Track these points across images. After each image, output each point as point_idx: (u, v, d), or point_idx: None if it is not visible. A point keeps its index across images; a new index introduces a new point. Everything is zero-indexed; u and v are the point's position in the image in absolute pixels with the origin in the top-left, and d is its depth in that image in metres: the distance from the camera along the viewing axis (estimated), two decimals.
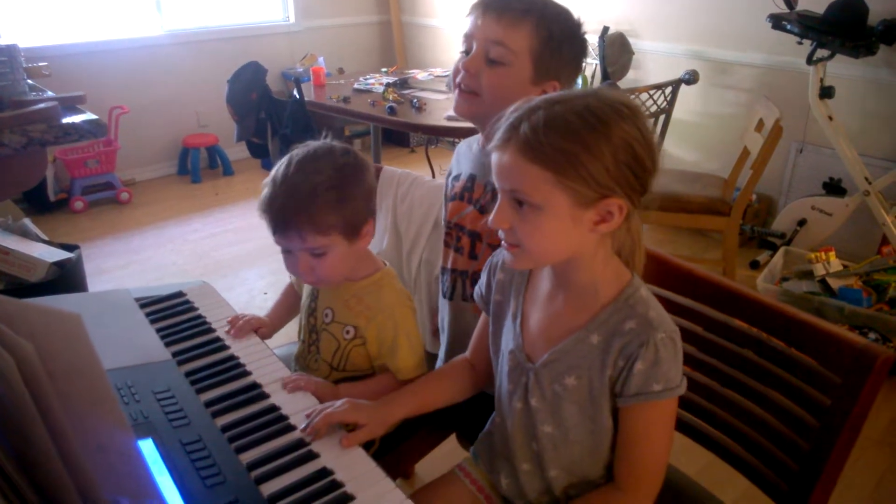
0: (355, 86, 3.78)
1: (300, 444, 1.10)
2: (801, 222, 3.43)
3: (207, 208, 4.52)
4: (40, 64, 2.14)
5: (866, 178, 3.12)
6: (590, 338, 1.04)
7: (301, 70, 5.01)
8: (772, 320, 1.19)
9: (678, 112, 3.51)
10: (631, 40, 4.10)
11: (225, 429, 1.13)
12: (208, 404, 1.19)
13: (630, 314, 1.02)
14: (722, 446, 1.30)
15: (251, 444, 1.09)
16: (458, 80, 1.36)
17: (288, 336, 1.69)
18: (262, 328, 1.46)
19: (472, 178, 1.48)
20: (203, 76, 4.97)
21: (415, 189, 1.93)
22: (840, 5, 3.05)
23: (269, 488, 1.00)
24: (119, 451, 0.81)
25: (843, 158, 3.19)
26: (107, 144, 4.41)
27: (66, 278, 2.43)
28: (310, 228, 1.25)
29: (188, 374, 1.27)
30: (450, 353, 1.58)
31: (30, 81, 2.00)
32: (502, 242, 1.04)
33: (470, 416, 1.45)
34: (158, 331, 1.40)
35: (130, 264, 3.74)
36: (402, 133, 5.47)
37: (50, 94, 1.94)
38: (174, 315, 1.47)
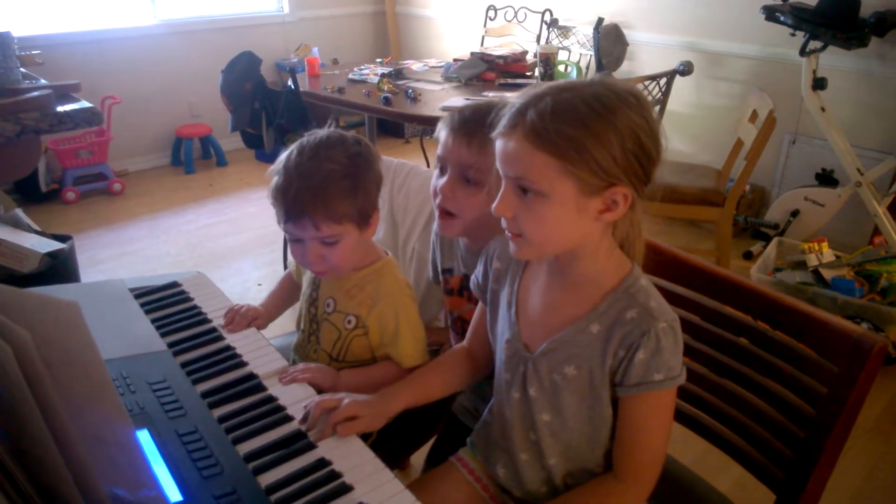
0: (350, 76, 3.76)
1: (298, 434, 1.10)
2: (794, 213, 3.44)
3: (201, 199, 4.51)
4: (33, 52, 2.12)
5: (858, 170, 3.13)
6: (590, 327, 1.04)
7: (295, 60, 4.99)
8: (768, 310, 1.19)
9: (672, 103, 3.51)
10: (625, 31, 4.09)
11: (222, 419, 1.12)
12: (204, 395, 1.18)
13: (631, 304, 1.02)
14: (717, 435, 1.30)
15: (248, 435, 1.09)
16: (437, 202, 1.34)
17: (282, 327, 1.68)
18: (258, 320, 1.45)
19: (467, 277, 1.43)
20: (196, 66, 4.94)
21: (411, 179, 1.92)
22: None
23: (266, 479, 1.00)
24: (117, 441, 0.80)
25: (835, 149, 3.20)
26: (99, 135, 4.38)
27: (59, 269, 2.42)
28: (324, 217, 1.24)
29: (184, 365, 1.26)
30: None
31: (23, 70, 1.99)
32: (506, 233, 1.04)
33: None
34: (153, 321, 1.40)
35: (123, 255, 3.72)
36: (396, 124, 5.46)
37: (43, 82, 1.93)
38: (169, 305, 1.47)
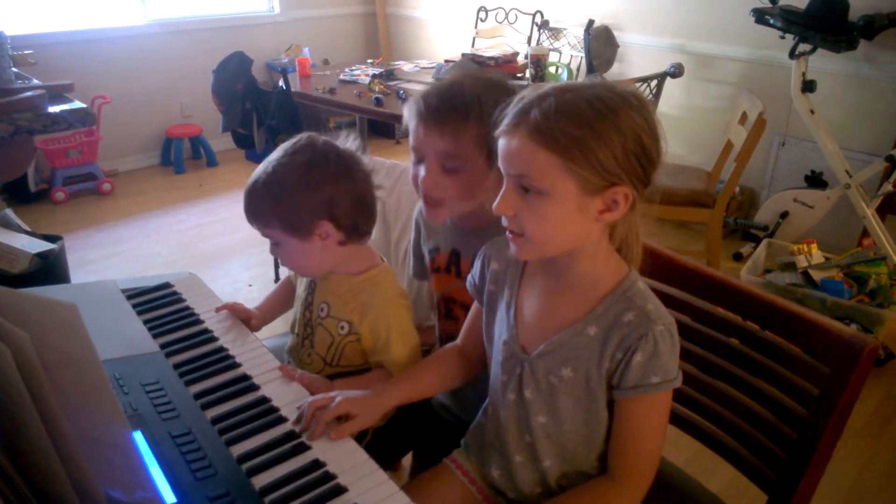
0: (341, 77, 3.76)
1: (291, 435, 1.09)
2: (784, 214, 3.46)
3: (191, 199, 4.49)
4: (25, 52, 2.11)
5: (847, 172, 3.16)
6: (587, 330, 1.05)
7: (286, 61, 4.98)
8: (760, 311, 1.20)
9: (663, 105, 3.52)
10: (616, 33, 4.11)
11: (215, 421, 1.12)
12: (197, 396, 1.18)
13: (628, 306, 1.03)
14: (709, 436, 1.31)
15: (242, 437, 1.08)
16: (419, 191, 1.33)
17: (272, 330, 1.68)
18: (253, 320, 1.45)
19: (455, 253, 1.43)
20: (187, 66, 4.93)
21: (403, 181, 1.92)
22: (822, 0, 3.07)
23: (260, 480, 1.00)
24: (114, 443, 0.80)
25: (824, 151, 3.22)
26: (88, 135, 4.36)
27: (49, 270, 2.41)
28: (253, 217, 1.31)
29: (177, 366, 1.26)
30: None
31: (15, 70, 1.98)
32: (507, 233, 1.04)
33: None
34: (146, 322, 1.39)
35: (113, 256, 3.71)
36: (387, 124, 5.45)
37: (36, 82, 1.92)
38: (162, 306, 1.46)
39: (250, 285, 3.39)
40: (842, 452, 2.30)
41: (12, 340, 0.63)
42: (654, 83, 3.35)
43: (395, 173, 1.94)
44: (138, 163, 4.99)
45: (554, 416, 1.11)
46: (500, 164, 1.01)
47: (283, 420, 1.13)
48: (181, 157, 4.94)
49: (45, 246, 2.46)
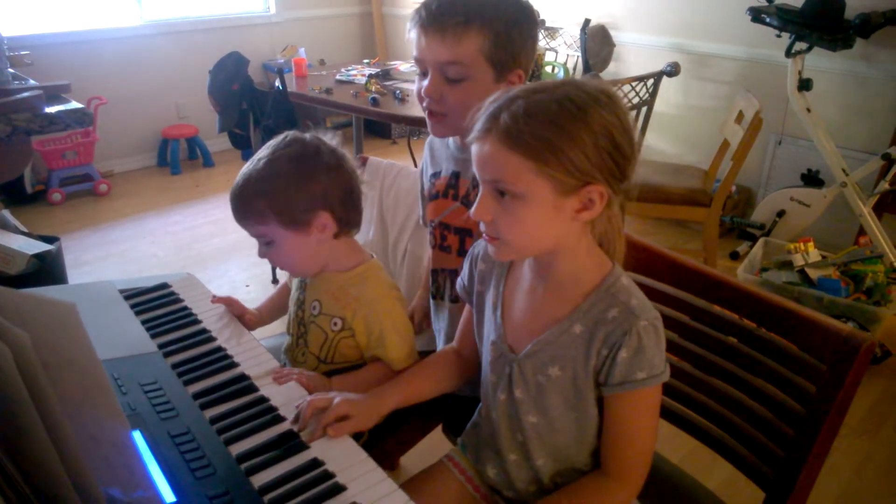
0: (337, 77, 3.76)
1: (290, 435, 1.09)
2: (780, 213, 3.47)
3: (187, 200, 4.49)
4: (22, 53, 2.11)
5: (844, 170, 3.16)
6: (573, 327, 1.05)
7: (282, 61, 4.97)
8: (757, 309, 1.20)
9: (659, 104, 3.53)
10: (612, 33, 4.12)
11: (213, 420, 1.12)
12: (196, 396, 1.18)
13: (612, 303, 1.03)
14: (706, 433, 1.31)
15: (240, 436, 1.09)
16: (424, 105, 1.33)
17: (270, 330, 1.68)
18: (247, 315, 1.46)
19: (455, 175, 1.45)
20: (183, 67, 4.92)
21: (401, 180, 1.93)
22: None
23: (259, 479, 1.00)
24: (113, 442, 0.80)
25: (821, 150, 3.23)
26: (85, 136, 4.35)
27: (46, 271, 2.41)
28: (243, 214, 1.31)
29: (175, 366, 1.26)
30: None
31: (11, 70, 1.98)
32: (484, 235, 1.05)
33: (456, 410, 1.45)
34: (144, 322, 1.39)
35: (110, 256, 3.70)
36: (383, 124, 5.46)
37: (32, 82, 1.91)
38: (159, 307, 1.46)
39: (247, 286, 3.39)
40: (838, 450, 2.31)
41: (12, 340, 0.63)
42: (650, 82, 3.35)
43: (393, 173, 1.95)
44: (135, 164, 4.98)
45: (544, 416, 1.11)
46: (474, 169, 1.01)
47: (281, 419, 1.13)
48: (177, 157, 4.94)
49: (42, 247, 2.46)
